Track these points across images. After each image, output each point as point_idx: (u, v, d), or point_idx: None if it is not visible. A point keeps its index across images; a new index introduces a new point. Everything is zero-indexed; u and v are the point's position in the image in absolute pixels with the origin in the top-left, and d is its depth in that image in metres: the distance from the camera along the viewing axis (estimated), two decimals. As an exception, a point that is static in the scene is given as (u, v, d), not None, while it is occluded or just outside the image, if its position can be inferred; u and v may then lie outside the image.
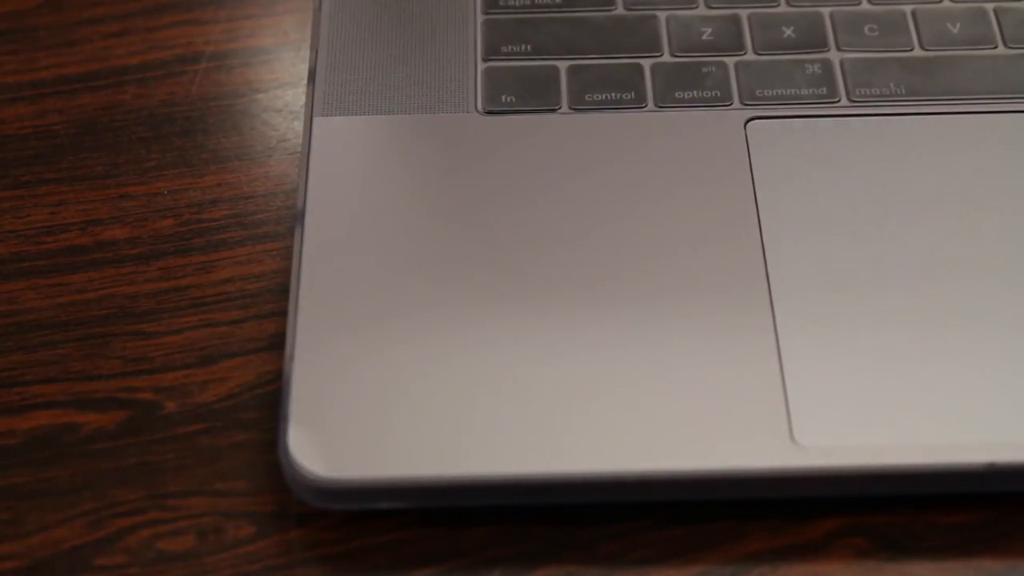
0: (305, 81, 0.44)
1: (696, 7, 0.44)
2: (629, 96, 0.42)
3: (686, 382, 0.35)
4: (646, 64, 0.43)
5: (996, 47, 0.43)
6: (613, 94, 0.42)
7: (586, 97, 0.42)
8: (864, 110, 0.41)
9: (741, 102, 0.42)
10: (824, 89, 0.42)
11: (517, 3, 0.44)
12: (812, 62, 0.43)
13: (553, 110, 0.42)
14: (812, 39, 0.43)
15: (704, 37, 0.43)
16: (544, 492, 0.34)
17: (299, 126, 0.44)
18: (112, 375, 0.38)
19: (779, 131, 0.41)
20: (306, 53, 0.46)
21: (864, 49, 0.43)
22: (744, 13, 0.44)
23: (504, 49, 0.43)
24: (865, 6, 0.44)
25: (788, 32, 0.43)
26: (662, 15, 0.44)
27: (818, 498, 0.35)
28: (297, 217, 0.39)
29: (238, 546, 0.35)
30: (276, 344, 0.39)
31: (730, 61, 0.43)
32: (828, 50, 0.43)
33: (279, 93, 0.45)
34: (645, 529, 0.35)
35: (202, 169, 0.43)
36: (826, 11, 0.44)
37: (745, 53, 0.43)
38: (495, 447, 0.34)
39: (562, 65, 0.43)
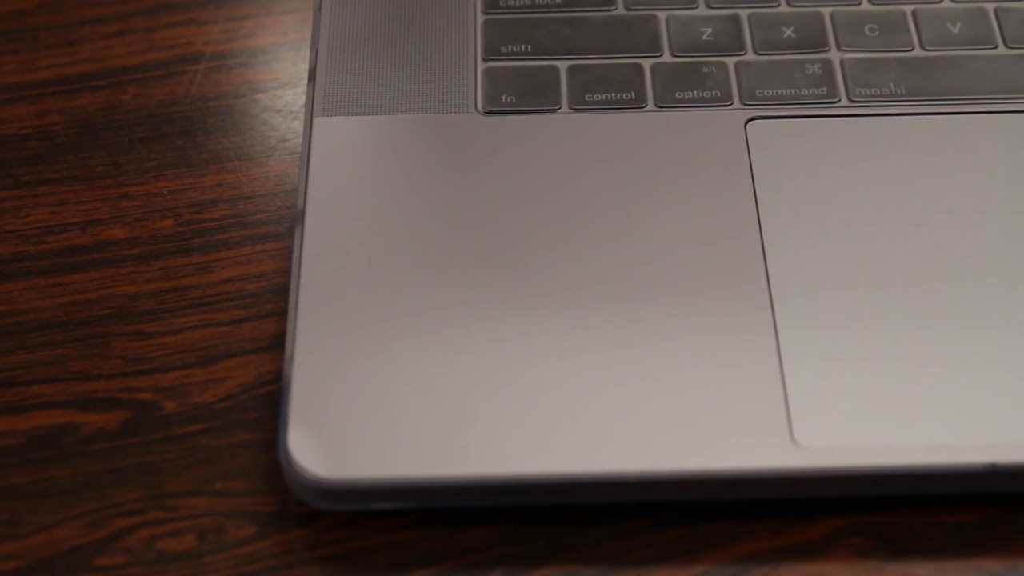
0: (305, 81, 0.45)
1: (696, 7, 0.44)
2: (629, 96, 0.42)
3: (686, 382, 0.35)
4: (646, 64, 0.43)
5: (996, 47, 0.43)
6: (613, 94, 0.42)
7: (586, 97, 0.42)
8: (864, 110, 0.41)
9: (741, 102, 0.42)
10: (824, 89, 0.42)
11: (517, 3, 0.44)
12: (812, 62, 0.43)
13: (553, 110, 0.42)
14: (812, 39, 0.43)
15: (704, 37, 0.43)
16: (544, 492, 0.34)
17: (299, 126, 0.44)
18: (112, 375, 0.38)
19: (779, 131, 0.41)
20: (306, 53, 0.46)
21: (864, 49, 0.43)
22: (744, 13, 0.44)
23: (504, 49, 0.43)
24: (865, 6, 0.44)
25: (788, 32, 0.43)
26: (662, 15, 0.44)
27: (818, 498, 0.35)
28: (297, 217, 0.39)
29: (238, 546, 0.35)
30: (276, 344, 0.39)
31: (730, 61, 0.43)
32: (828, 50, 0.43)
33: (279, 93, 0.45)
34: (645, 529, 0.35)
35: (202, 169, 0.43)
36: (826, 11, 0.44)
37: (745, 53, 0.43)
38: (495, 447, 0.34)
39: (562, 65, 0.43)
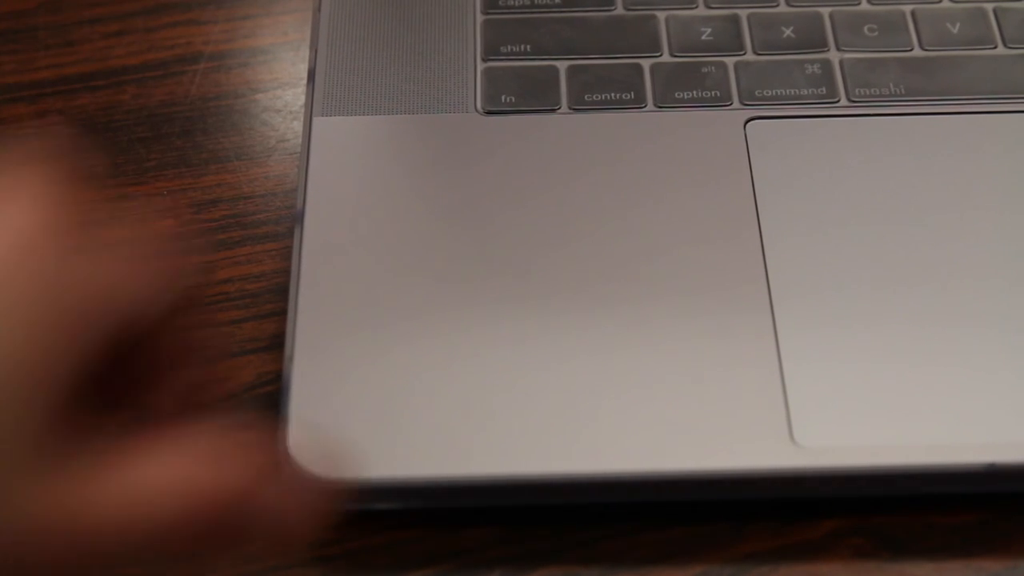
0: (305, 81, 0.44)
1: (696, 7, 0.44)
2: (629, 96, 0.42)
3: (686, 383, 0.35)
4: (646, 64, 0.43)
5: (996, 47, 0.43)
6: (613, 94, 0.42)
7: (586, 97, 0.42)
8: (864, 110, 0.41)
9: (741, 102, 0.42)
10: (824, 89, 0.42)
11: (517, 3, 0.44)
12: (812, 62, 0.43)
13: (553, 110, 0.42)
14: (812, 39, 0.43)
15: (704, 37, 0.43)
16: (544, 492, 0.34)
17: (299, 126, 0.44)
18: (112, 375, 0.38)
19: (779, 131, 0.41)
20: (306, 53, 0.45)
21: (864, 49, 0.43)
22: (744, 13, 0.44)
23: (504, 49, 0.43)
24: (865, 6, 0.44)
25: (788, 32, 0.43)
26: (662, 15, 0.44)
27: (818, 498, 0.35)
28: (297, 217, 0.39)
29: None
30: (276, 344, 0.39)
31: (730, 61, 0.43)
32: (828, 50, 0.43)
33: (279, 93, 0.45)
34: (645, 529, 0.35)
35: (202, 169, 0.43)
36: (826, 11, 0.44)
37: (745, 53, 0.43)
38: (495, 447, 0.34)
39: (562, 65, 0.43)
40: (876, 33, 0.43)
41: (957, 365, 0.36)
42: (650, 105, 0.42)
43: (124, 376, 0.26)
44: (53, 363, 0.24)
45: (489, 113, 0.41)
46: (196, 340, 0.27)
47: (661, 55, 0.43)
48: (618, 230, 0.38)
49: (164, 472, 0.25)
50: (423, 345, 0.36)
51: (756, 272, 0.38)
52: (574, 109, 0.42)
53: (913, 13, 0.44)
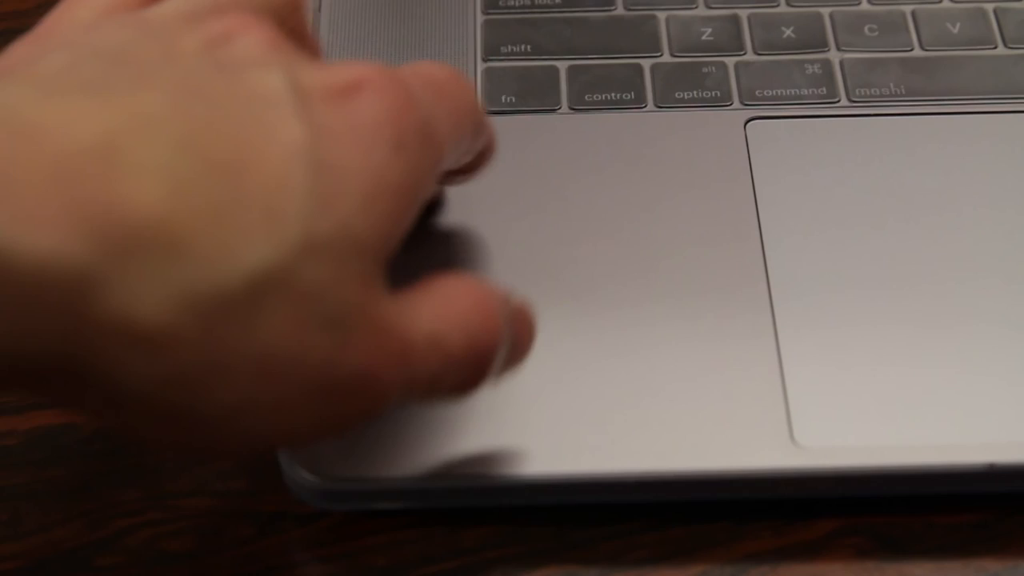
0: (305, 81, 0.44)
1: (696, 7, 0.44)
2: (629, 96, 0.42)
3: (686, 383, 0.35)
4: (646, 64, 0.43)
5: (996, 47, 0.43)
6: (613, 94, 0.42)
7: (586, 97, 0.42)
8: (864, 110, 0.41)
9: (741, 102, 0.42)
10: (824, 89, 0.42)
11: (517, 3, 0.44)
12: (812, 62, 0.43)
13: (553, 110, 0.42)
14: (812, 39, 0.43)
15: (704, 37, 0.43)
16: (544, 492, 0.34)
17: (299, 126, 0.44)
18: (112, 375, 0.38)
19: (779, 131, 0.41)
20: (306, 53, 0.45)
21: (864, 49, 0.43)
22: (744, 13, 0.44)
23: (504, 49, 0.43)
24: (865, 6, 0.44)
25: (788, 32, 0.43)
26: (662, 15, 0.44)
27: (818, 498, 0.35)
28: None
29: (238, 546, 0.35)
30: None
31: (730, 61, 0.43)
32: (828, 50, 0.43)
33: (279, 93, 0.45)
34: (645, 529, 0.35)
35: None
36: (826, 11, 0.44)
37: (745, 53, 0.43)
38: (494, 448, 0.34)
39: (562, 65, 0.43)
40: (876, 33, 0.43)
41: (957, 365, 0.36)
42: (650, 105, 0.42)
43: None
44: None
45: (489, 113, 0.41)
46: None
47: (661, 55, 0.43)
48: (617, 230, 0.38)
49: None
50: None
51: (756, 272, 0.38)
52: (574, 109, 0.42)
53: (913, 13, 0.44)
